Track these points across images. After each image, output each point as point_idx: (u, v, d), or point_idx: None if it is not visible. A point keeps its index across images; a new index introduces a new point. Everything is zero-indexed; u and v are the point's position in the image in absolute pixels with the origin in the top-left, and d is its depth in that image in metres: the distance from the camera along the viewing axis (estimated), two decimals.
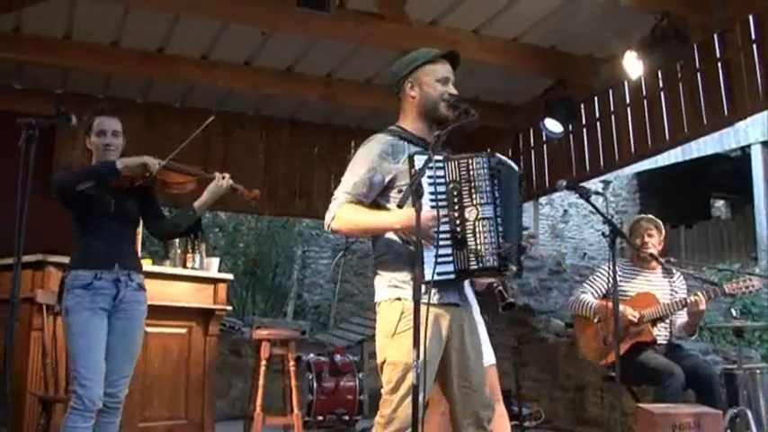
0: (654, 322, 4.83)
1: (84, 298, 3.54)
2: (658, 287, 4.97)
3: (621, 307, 4.55)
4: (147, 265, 5.40)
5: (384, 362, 2.91)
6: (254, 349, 5.62)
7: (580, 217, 16.45)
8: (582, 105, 7.10)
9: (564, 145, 7.32)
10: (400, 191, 2.89)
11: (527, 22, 5.87)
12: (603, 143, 6.97)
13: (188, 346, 5.48)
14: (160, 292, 5.13)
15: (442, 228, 2.79)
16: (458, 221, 2.82)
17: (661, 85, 6.29)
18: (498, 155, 2.95)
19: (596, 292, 5.01)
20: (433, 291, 2.82)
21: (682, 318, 4.93)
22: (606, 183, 16.05)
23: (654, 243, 4.98)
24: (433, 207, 2.77)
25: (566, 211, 16.77)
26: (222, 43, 6.20)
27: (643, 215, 5.22)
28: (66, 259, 3.82)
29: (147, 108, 7.24)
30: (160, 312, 5.08)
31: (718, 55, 5.78)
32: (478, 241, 2.79)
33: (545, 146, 7.66)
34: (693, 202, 16.84)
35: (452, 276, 2.82)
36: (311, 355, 6.78)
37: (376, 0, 5.53)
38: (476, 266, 2.80)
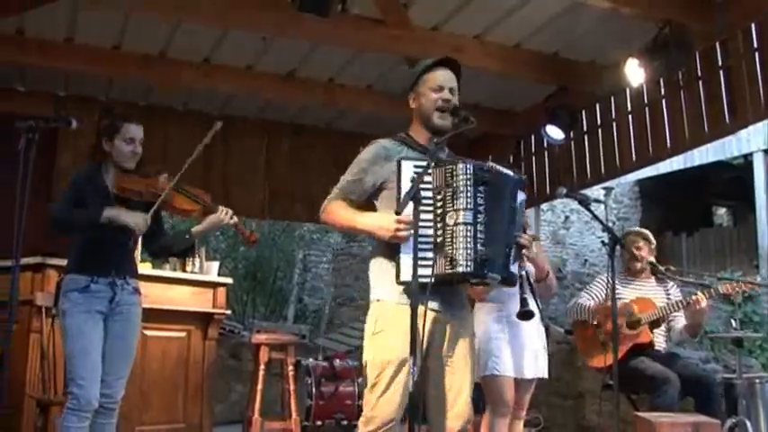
0: (651, 327, 4.84)
1: (80, 301, 3.56)
2: (654, 293, 5.01)
3: (620, 303, 4.56)
4: (146, 268, 5.42)
5: (366, 362, 3.02)
6: (254, 353, 5.62)
7: (581, 223, 16.42)
8: (583, 112, 7.10)
9: (565, 152, 7.31)
10: (392, 193, 2.94)
11: (529, 28, 5.87)
12: (604, 150, 6.96)
13: (187, 349, 5.49)
14: (159, 296, 5.15)
15: (425, 231, 2.81)
16: (438, 226, 2.84)
17: (662, 92, 6.28)
18: (492, 164, 2.97)
19: (595, 298, 5.04)
20: (408, 294, 2.84)
21: (681, 322, 4.94)
22: (608, 190, 16.04)
23: (644, 255, 5.03)
24: (420, 211, 2.79)
25: (567, 218, 16.75)
26: (223, 48, 6.20)
27: (632, 228, 5.25)
28: (65, 262, 3.83)
29: (149, 111, 7.23)
30: (159, 316, 5.10)
31: (719, 63, 5.77)
32: (455, 246, 2.80)
33: (546, 152, 7.65)
34: (695, 210, 16.84)
35: (431, 280, 2.77)
36: (310, 359, 6.77)
37: (378, 5, 5.52)
38: (450, 271, 2.80)
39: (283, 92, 6.88)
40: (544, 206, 14.81)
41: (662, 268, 5.04)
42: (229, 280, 5.98)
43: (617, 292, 4.59)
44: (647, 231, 5.22)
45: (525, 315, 3.45)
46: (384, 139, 3.15)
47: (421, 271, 2.75)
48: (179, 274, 5.57)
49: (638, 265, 5.05)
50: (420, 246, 2.78)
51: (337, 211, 3.10)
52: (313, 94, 6.95)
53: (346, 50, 6.29)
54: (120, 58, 6.23)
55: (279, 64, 6.57)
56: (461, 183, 2.84)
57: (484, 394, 4.14)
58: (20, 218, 3.10)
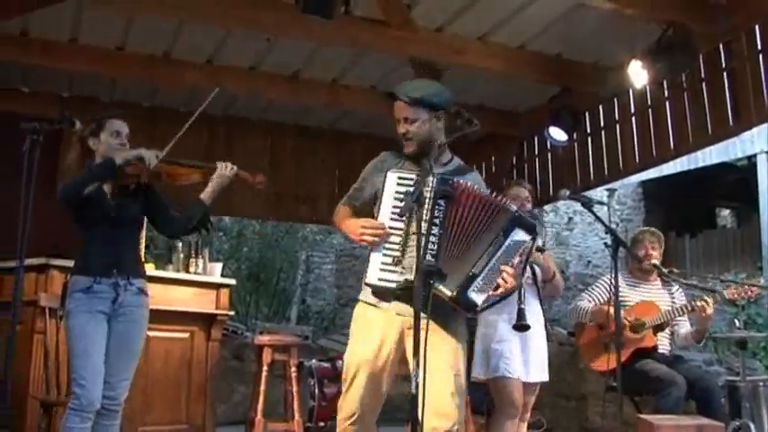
0: (655, 331, 4.83)
1: (83, 301, 3.55)
2: (658, 297, 5.00)
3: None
4: (149, 269, 5.40)
5: None
6: (257, 354, 5.62)
7: (585, 225, 16.39)
8: (587, 114, 7.09)
9: (568, 153, 7.31)
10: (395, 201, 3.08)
11: (533, 29, 5.87)
12: (608, 152, 6.95)
13: (190, 350, 5.49)
14: (163, 297, 5.14)
15: (396, 239, 3.02)
16: (404, 234, 3.01)
17: (666, 94, 6.27)
18: (465, 185, 3.03)
19: (595, 300, 5.03)
20: (375, 295, 3.14)
21: (685, 327, 4.93)
22: (611, 191, 16.02)
23: (656, 256, 5.01)
24: (392, 219, 3.03)
25: (570, 219, 16.73)
26: (227, 48, 6.21)
27: (647, 228, 5.22)
28: (69, 263, 3.83)
29: (153, 112, 7.24)
30: (162, 317, 5.09)
31: (723, 65, 5.76)
32: (407, 254, 2.98)
33: (549, 154, 7.64)
34: (699, 211, 16.81)
35: (393, 285, 3.00)
36: (313, 360, 6.76)
37: (381, 7, 5.53)
38: (401, 278, 2.97)
39: (287, 93, 6.89)
40: (547, 208, 14.82)
41: (665, 271, 5.03)
42: (232, 281, 5.98)
43: (621, 294, 4.60)
44: (660, 233, 5.19)
45: (521, 328, 3.71)
46: (388, 152, 3.37)
47: (385, 275, 3.02)
48: (182, 275, 5.58)
49: (647, 264, 5.01)
50: (388, 252, 3.02)
51: (338, 214, 3.37)
52: (317, 95, 6.97)
53: (350, 51, 6.29)
54: (124, 58, 6.25)
55: (282, 65, 6.58)
56: (426, 195, 2.96)
57: (491, 396, 4.14)
58: (24, 219, 3.11)
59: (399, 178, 3.07)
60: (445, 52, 5.98)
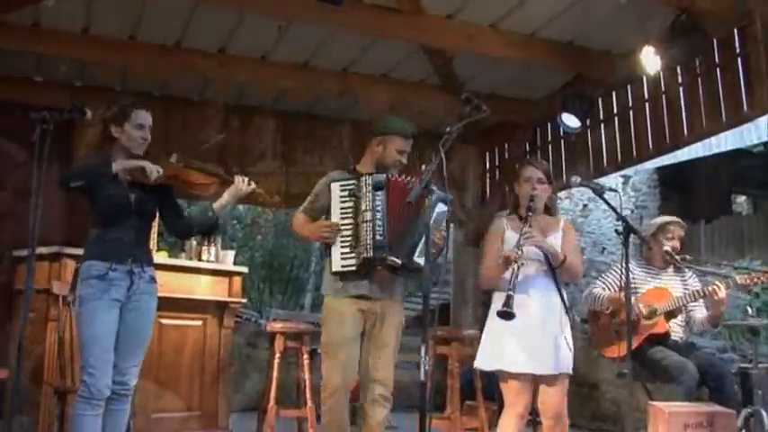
0: (668, 317, 4.81)
1: (99, 288, 3.57)
2: (671, 284, 4.96)
3: (632, 299, 4.52)
4: (163, 257, 5.47)
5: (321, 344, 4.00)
6: (270, 342, 5.64)
7: (599, 212, 16.28)
8: (600, 100, 7.04)
9: (582, 140, 7.27)
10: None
11: (544, 16, 5.83)
12: (621, 138, 6.90)
13: (203, 338, 5.53)
14: (176, 285, 5.20)
15: (347, 232, 3.84)
16: (354, 226, 3.83)
17: (680, 80, 6.22)
18: (392, 177, 3.90)
19: (608, 287, 5.01)
20: (340, 285, 3.90)
21: (701, 313, 4.90)
22: (626, 178, 15.92)
23: (675, 245, 4.97)
24: (342, 218, 3.86)
25: (585, 206, 16.63)
26: (239, 37, 6.21)
27: (674, 219, 5.12)
28: (82, 251, 3.86)
29: (165, 101, 7.25)
30: (176, 305, 5.14)
31: (737, 50, 5.70)
32: (361, 238, 3.78)
33: (562, 141, 7.61)
34: (714, 198, 16.67)
35: (354, 268, 3.81)
36: None
37: None
38: (360, 260, 3.78)
39: (299, 80, 6.89)
40: (562, 194, 14.69)
41: (678, 257, 5.00)
42: (245, 269, 6.01)
43: (633, 283, 4.57)
44: (684, 224, 5.15)
45: (504, 315, 3.55)
46: (335, 172, 4.13)
47: (346, 261, 3.82)
48: (195, 263, 5.61)
49: (664, 252, 4.97)
50: (344, 243, 3.83)
51: (298, 220, 4.13)
52: (329, 83, 6.96)
53: (362, 39, 6.28)
54: (136, 48, 6.26)
55: (294, 53, 6.58)
56: (366, 190, 3.82)
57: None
58: (35, 207, 3.14)
59: (341, 185, 3.90)
60: (456, 39, 5.96)
